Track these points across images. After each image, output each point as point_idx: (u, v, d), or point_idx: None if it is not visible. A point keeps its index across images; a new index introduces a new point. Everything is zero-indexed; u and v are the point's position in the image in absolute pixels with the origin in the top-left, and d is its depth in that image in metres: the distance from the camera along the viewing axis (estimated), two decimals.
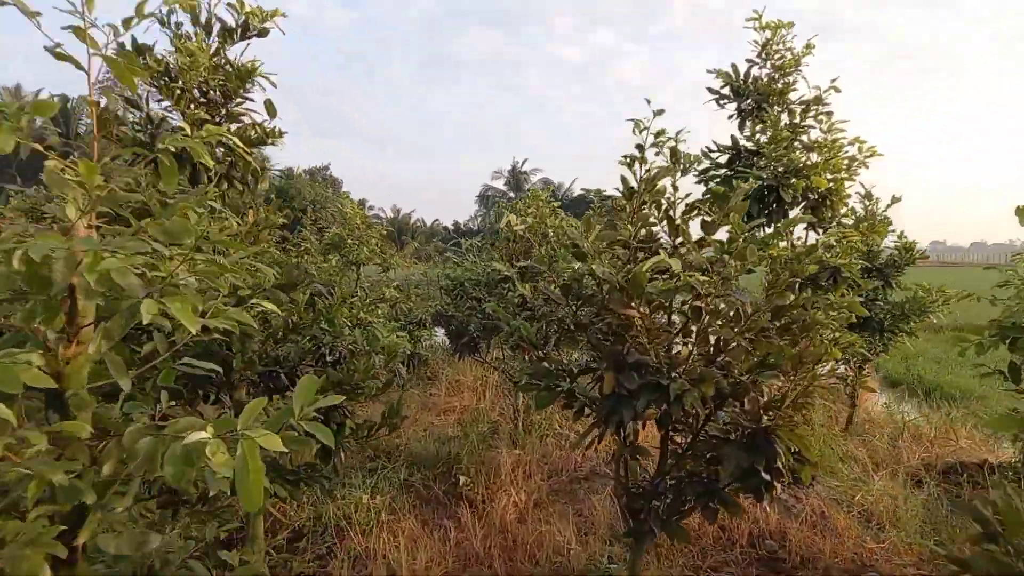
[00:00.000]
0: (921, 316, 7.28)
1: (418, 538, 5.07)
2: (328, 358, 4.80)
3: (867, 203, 7.46)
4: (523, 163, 68.14)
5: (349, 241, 9.26)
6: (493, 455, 6.64)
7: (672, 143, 3.37)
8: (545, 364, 3.41)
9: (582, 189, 67.16)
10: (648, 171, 3.31)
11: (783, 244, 4.04)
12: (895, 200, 7.47)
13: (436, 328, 9.94)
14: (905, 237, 7.63)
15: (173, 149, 1.97)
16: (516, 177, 67.67)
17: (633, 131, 3.26)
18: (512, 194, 68.37)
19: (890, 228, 7.06)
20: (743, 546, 4.96)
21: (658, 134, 3.27)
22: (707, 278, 2.96)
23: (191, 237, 1.75)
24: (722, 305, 3.10)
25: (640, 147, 3.27)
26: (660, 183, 3.36)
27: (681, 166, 3.42)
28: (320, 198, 49.62)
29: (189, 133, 2.04)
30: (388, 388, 4.59)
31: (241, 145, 2.06)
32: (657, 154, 3.40)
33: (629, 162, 3.32)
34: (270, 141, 4.55)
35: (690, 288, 2.99)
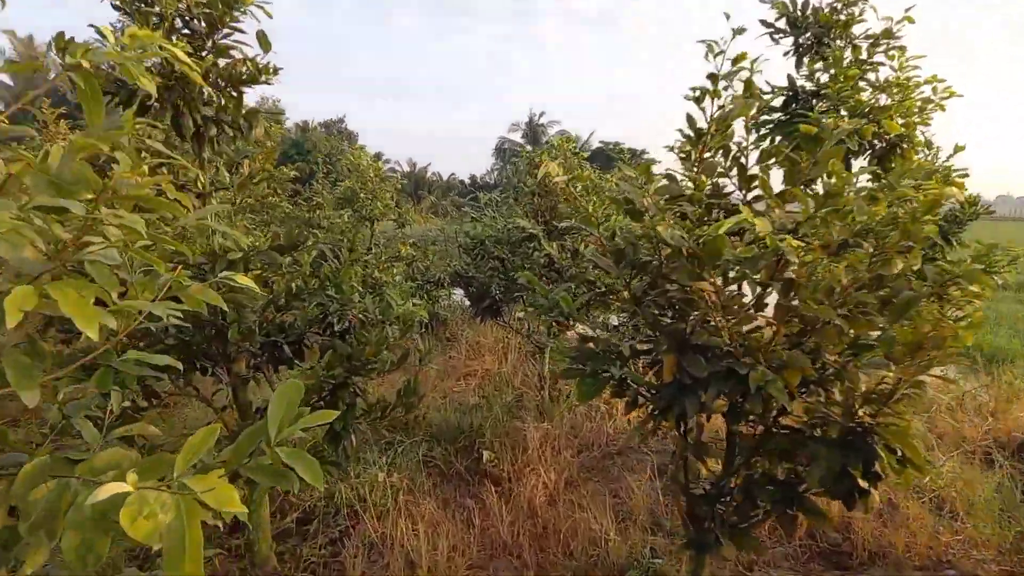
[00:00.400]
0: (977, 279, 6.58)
1: (439, 523, 4.58)
2: (336, 327, 4.25)
3: (927, 151, 6.71)
4: (540, 115, 66.68)
5: (362, 195, 8.66)
6: (518, 427, 6.13)
7: (747, 73, 2.70)
8: (591, 345, 2.80)
9: (600, 142, 65.72)
10: (721, 108, 2.66)
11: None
12: (958, 149, 6.71)
13: (455, 289, 9.38)
14: (967, 189, 6.88)
15: (87, 65, 1.37)
16: (533, 130, 66.28)
17: (706, 56, 2.59)
18: (529, 147, 67.12)
19: (966, 178, 6.32)
20: (801, 538, 4.42)
21: (737, 59, 2.60)
22: (799, 242, 2.34)
23: (92, 191, 1.16)
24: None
25: (713, 76, 2.61)
26: (732, 124, 2.72)
27: (758, 103, 2.76)
28: (335, 151, 48.83)
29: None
30: (404, 362, 4.05)
31: (186, 60, 1.41)
32: (726, 88, 2.74)
33: (697, 96, 2.66)
34: (263, 79, 3.91)
35: (773, 254, 2.38)
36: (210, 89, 3.77)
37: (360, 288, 4.71)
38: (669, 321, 2.73)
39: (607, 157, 66.41)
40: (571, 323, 4.09)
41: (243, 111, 3.95)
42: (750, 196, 2.84)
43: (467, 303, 8.87)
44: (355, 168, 8.91)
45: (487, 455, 5.64)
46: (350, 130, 67.86)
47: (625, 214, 2.69)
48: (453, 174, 70.95)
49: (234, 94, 3.92)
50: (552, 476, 5.14)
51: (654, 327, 2.72)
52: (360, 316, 4.26)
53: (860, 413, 2.53)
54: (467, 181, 69.70)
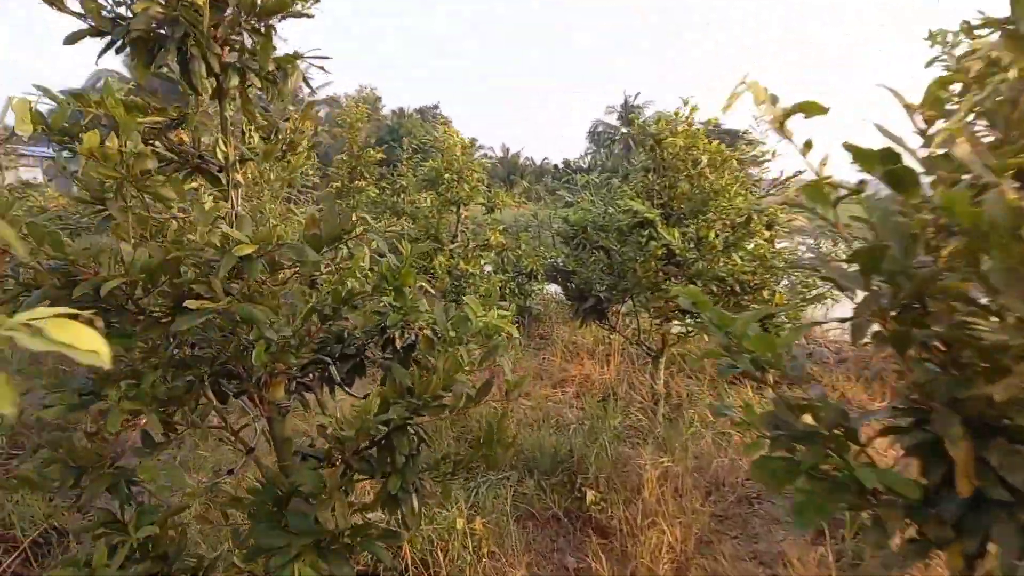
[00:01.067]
0: None
1: None
2: (398, 344, 3.20)
3: None
4: (635, 96, 64.40)
5: (447, 176, 7.62)
6: (628, 456, 4.94)
7: None
8: (807, 419, 1.56)
9: (699, 122, 62.83)
10: None
11: None
12: None
13: (550, 284, 8.23)
14: None
15: None
16: (629, 111, 64.10)
17: None
18: (624, 129, 65.03)
19: None
20: None
21: None
22: None
23: None
24: None
25: None
26: None
27: None
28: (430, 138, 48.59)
29: None
30: (485, 395, 2.94)
31: None
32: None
33: None
34: (297, 4, 2.84)
35: None
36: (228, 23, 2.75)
37: (435, 290, 3.60)
38: (952, 378, 1.48)
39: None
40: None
41: (273, 55, 2.91)
42: None
43: (564, 298, 7.71)
44: (440, 146, 7.89)
45: (591, 496, 4.48)
46: (444, 116, 67.68)
47: (889, 181, 1.43)
48: (546, 158, 69.69)
49: (261, 29, 2.88)
50: (678, 532, 3.93)
51: (926, 388, 1.48)
52: (428, 330, 3.17)
53: None
54: (560, 165, 68.29)
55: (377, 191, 12.00)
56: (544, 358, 8.02)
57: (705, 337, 6.17)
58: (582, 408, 6.50)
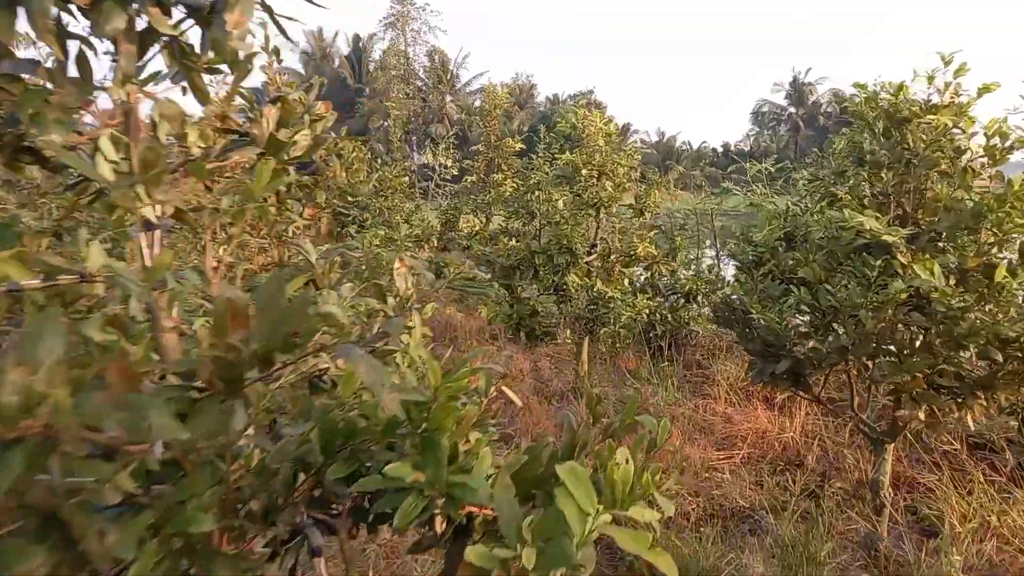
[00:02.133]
0: None
1: None
2: (438, 528, 1.73)
3: None
4: (806, 73, 58.86)
5: (584, 172, 6.01)
6: None
7: None
8: None
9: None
10: None
11: None
12: None
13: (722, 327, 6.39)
14: None
15: None
16: (798, 89, 58.79)
17: None
18: (793, 109, 59.80)
19: None
20: None
21: None
22: None
23: None
24: None
25: None
26: None
27: None
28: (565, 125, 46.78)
29: None
30: None
31: None
32: None
33: None
34: None
35: None
36: None
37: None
38: None
39: None
40: None
41: None
42: None
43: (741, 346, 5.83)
44: (578, 134, 6.31)
45: None
46: (599, 100, 65.55)
47: None
48: (704, 142, 65.68)
49: None
50: None
51: None
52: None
53: None
54: (720, 149, 64.10)
55: (515, 186, 10.58)
56: (701, 398, 6.24)
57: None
58: (759, 484, 4.74)
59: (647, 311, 5.57)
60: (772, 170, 9.96)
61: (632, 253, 6.29)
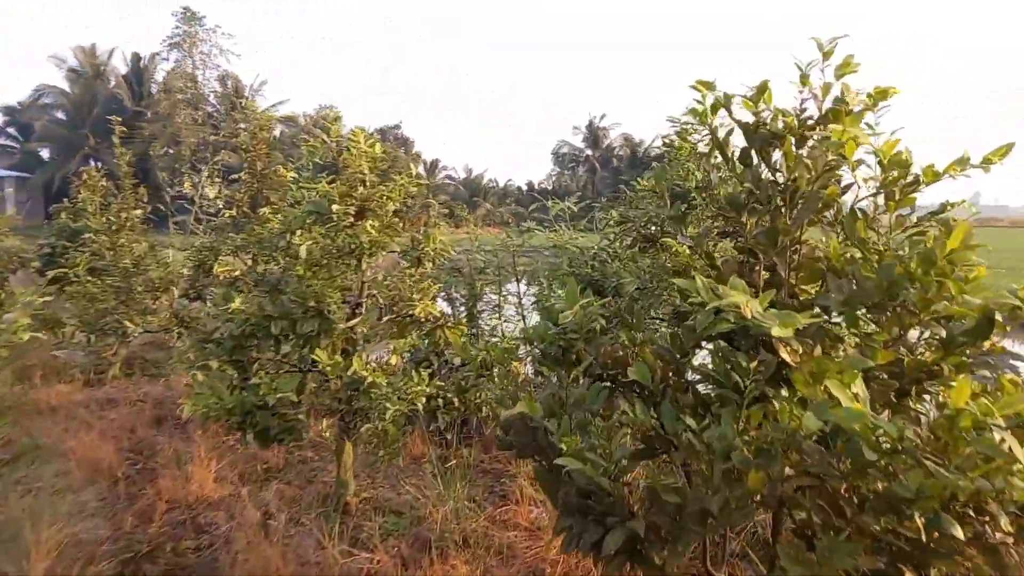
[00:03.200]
0: None
1: None
2: None
3: None
4: (601, 118, 62.01)
5: (337, 208, 4.34)
6: None
7: None
8: None
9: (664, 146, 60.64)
10: None
11: None
12: None
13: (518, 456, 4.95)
14: None
15: None
16: (594, 133, 61.72)
17: None
18: (589, 151, 62.61)
19: None
20: None
21: None
22: None
23: None
24: None
25: None
26: None
27: None
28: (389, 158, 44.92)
29: None
30: None
31: None
32: None
33: None
34: None
35: None
36: None
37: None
38: None
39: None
40: None
41: None
42: None
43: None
44: (330, 159, 4.63)
45: None
46: (406, 136, 64.43)
47: None
48: (510, 180, 66.74)
49: None
50: None
51: None
52: None
53: None
54: (524, 188, 65.44)
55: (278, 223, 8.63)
56: (498, 512, 4.75)
57: None
58: None
59: (424, 399, 4.00)
60: (575, 208, 8.94)
61: (410, 316, 4.73)
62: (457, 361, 5.70)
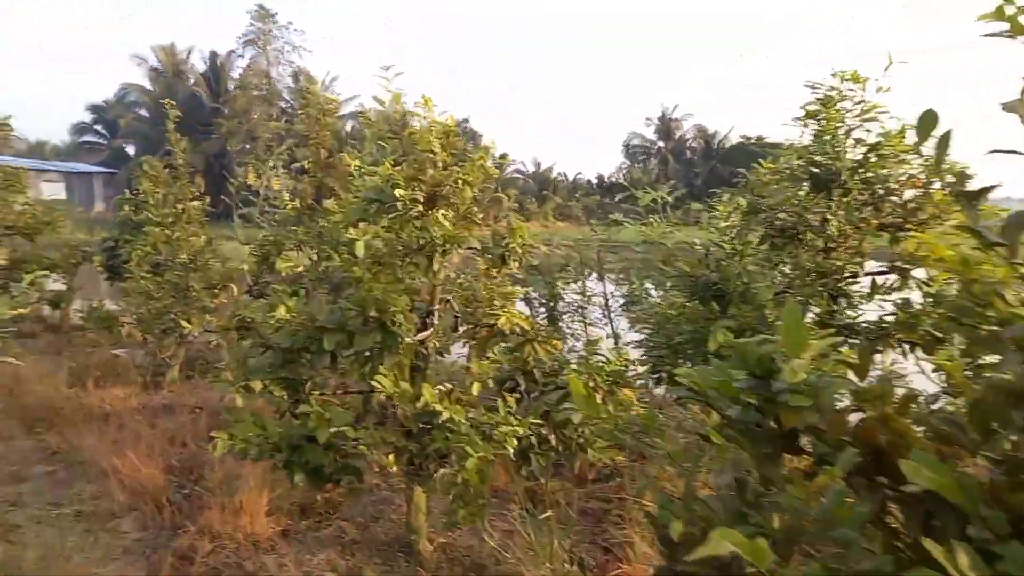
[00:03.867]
0: None
1: None
2: None
3: None
4: (673, 109, 59.87)
5: (403, 194, 3.46)
6: None
7: None
8: None
9: (741, 137, 58.21)
10: None
11: None
12: None
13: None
14: None
15: None
16: (666, 124, 59.68)
17: None
18: (661, 143, 60.64)
19: None
20: None
21: None
22: None
23: None
24: None
25: None
26: None
27: None
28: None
29: None
30: None
31: None
32: None
33: None
34: None
35: None
36: None
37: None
38: None
39: (747, 153, 59.10)
40: None
41: None
42: None
43: None
44: (395, 135, 3.76)
45: None
46: (475, 130, 63.86)
47: None
48: (579, 173, 65.28)
49: None
50: None
51: None
52: None
53: None
54: (594, 181, 63.96)
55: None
56: (605, 562, 3.81)
57: None
58: None
59: (516, 439, 3.08)
60: (670, 199, 7.87)
61: (490, 327, 3.85)
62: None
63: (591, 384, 3.63)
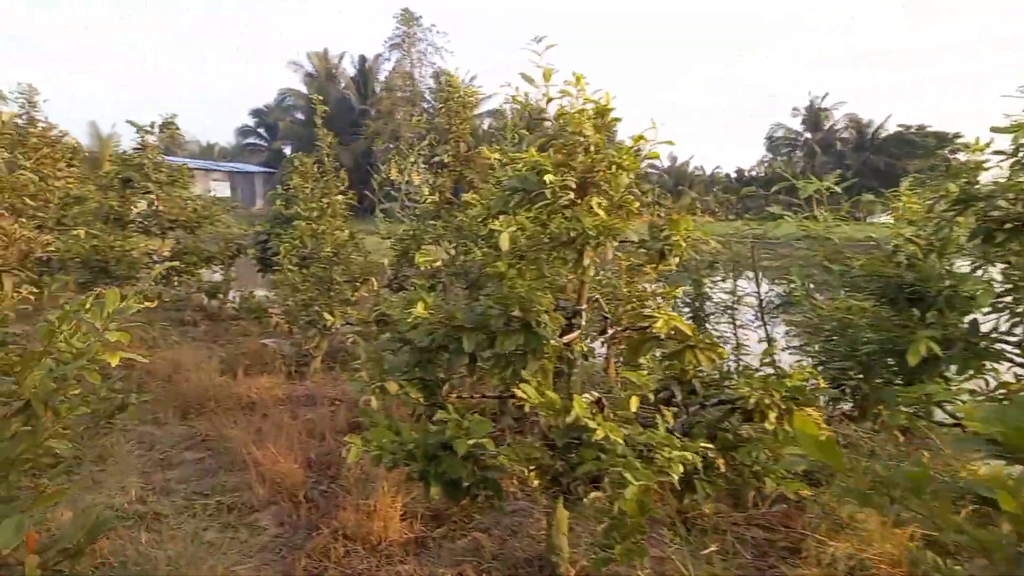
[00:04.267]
0: None
1: None
2: None
3: None
4: (822, 98, 55.90)
5: (553, 180, 3.08)
6: None
7: None
8: None
9: (899, 126, 53.39)
10: None
11: None
12: None
13: None
14: None
15: None
16: (814, 114, 55.84)
17: None
18: (808, 134, 56.83)
19: None
20: None
21: None
22: None
23: None
24: None
25: None
26: None
27: None
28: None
29: None
30: None
31: None
32: None
33: None
34: None
35: None
36: None
37: None
38: None
39: (906, 143, 53.91)
40: None
41: None
42: None
43: None
44: (547, 120, 3.35)
45: None
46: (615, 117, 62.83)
47: None
48: (718, 167, 62.56)
49: None
50: None
51: None
52: None
53: None
54: (733, 175, 61.06)
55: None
56: None
57: None
58: None
59: (682, 465, 2.60)
60: (838, 189, 7.02)
61: (645, 330, 3.39)
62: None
63: (767, 401, 3.07)
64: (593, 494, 2.79)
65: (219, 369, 7.40)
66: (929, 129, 52.70)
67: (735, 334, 7.68)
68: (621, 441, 2.54)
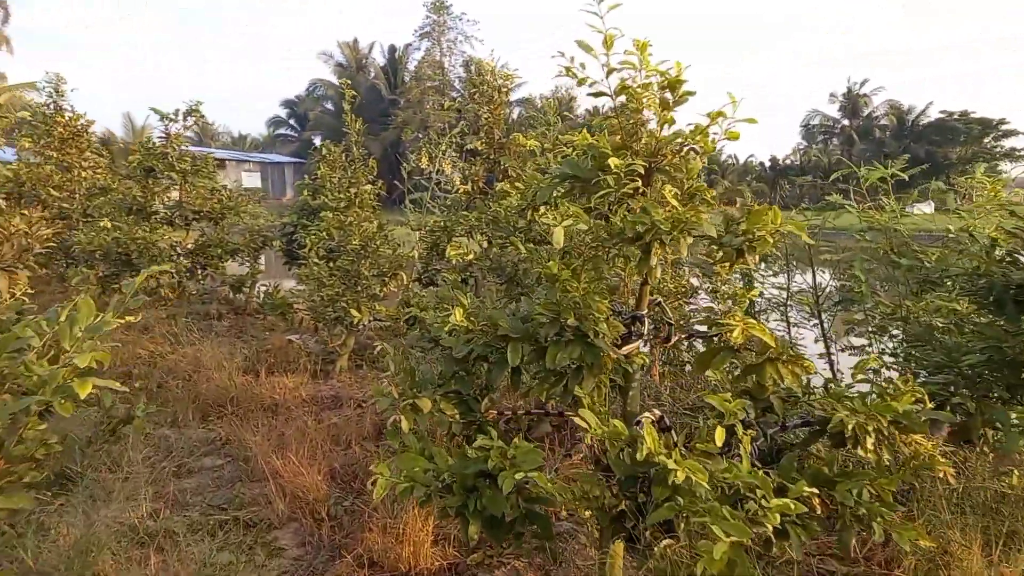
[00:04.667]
0: None
1: None
2: None
3: None
4: (861, 84, 54.24)
5: (618, 164, 2.59)
6: None
7: None
8: None
9: (941, 112, 51.60)
10: None
11: None
12: None
13: None
14: None
15: None
16: (852, 100, 54.21)
17: None
18: (846, 121, 55.25)
19: None
20: None
21: None
22: None
23: None
24: None
25: None
26: None
27: None
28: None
29: None
30: None
31: None
32: None
33: None
34: None
35: None
36: None
37: None
38: None
39: (948, 130, 52.07)
40: None
41: None
42: None
43: None
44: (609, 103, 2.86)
45: None
46: None
47: None
48: (751, 156, 61.18)
49: None
50: None
51: None
52: None
53: None
54: (767, 164, 59.67)
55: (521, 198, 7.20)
56: None
57: None
58: None
59: (778, 516, 2.12)
60: (905, 176, 6.41)
61: (721, 341, 2.89)
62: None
63: (869, 428, 2.56)
64: (665, 541, 2.31)
65: (242, 367, 7.04)
66: (973, 115, 50.88)
67: (788, 332, 7.11)
68: (705, 485, 2.05)
